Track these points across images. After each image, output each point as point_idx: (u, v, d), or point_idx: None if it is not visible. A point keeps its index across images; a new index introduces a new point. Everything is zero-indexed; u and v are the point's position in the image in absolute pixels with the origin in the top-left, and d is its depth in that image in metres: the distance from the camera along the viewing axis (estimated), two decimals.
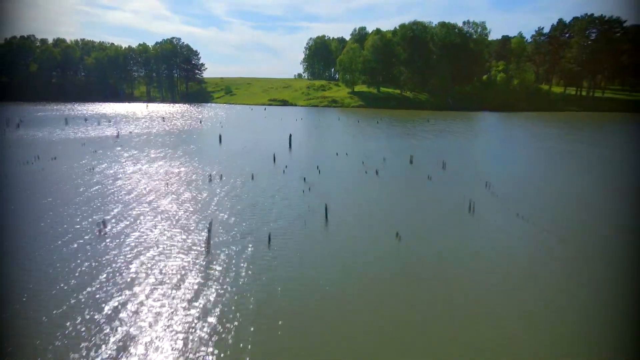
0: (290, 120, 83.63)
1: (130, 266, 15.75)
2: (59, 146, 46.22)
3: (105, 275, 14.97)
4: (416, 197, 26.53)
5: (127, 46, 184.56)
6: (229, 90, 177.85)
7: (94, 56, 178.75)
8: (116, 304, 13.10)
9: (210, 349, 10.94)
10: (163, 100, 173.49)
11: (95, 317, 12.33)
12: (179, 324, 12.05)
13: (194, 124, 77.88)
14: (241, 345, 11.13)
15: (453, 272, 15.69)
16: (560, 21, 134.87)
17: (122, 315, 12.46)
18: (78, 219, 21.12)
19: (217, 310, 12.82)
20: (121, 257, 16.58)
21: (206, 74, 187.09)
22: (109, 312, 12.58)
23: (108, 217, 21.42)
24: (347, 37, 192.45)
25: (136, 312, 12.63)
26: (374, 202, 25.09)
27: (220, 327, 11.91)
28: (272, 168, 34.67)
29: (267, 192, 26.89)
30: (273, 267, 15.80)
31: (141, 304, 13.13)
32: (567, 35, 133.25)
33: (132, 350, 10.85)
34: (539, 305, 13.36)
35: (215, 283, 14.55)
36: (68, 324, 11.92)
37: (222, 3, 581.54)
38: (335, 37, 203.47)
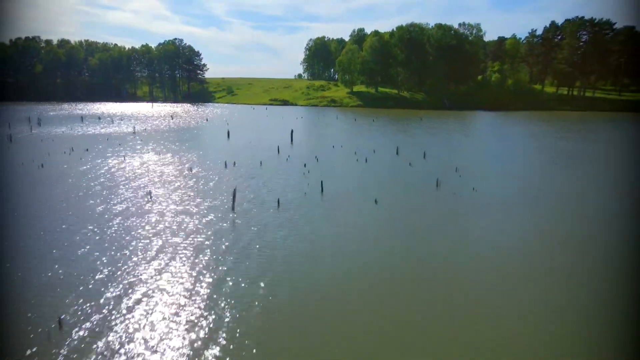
0: (291, 119, 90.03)
1: (174, 221, 22.15)
2: (85, 140, 52.66)
3: (156, 223, 21.36)
4: (396, 177, 32.92)
5: (130, 47, 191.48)
6: (230, 90, 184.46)
7: (97, 57, 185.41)
8: (167, 245, 19.48)
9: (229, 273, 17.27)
10: (165, 100, 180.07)
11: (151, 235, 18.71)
12: (216, 255, 18.43)
13: (201, 121, 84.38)
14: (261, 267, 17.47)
15: (418, 227, 22.07)
16: (553, 23, 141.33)
17: (172, 245, 18.84)
18: (128, 193, 27.53)
19: (244, 245, 19.21)
20: (165, 215, 22.98)
21: (207, 74, 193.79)
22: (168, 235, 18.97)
23: (152, 190, 27.81)
24: (347, 38, 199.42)
25: (179, 248, 19.01)
26: (361, 180, 31.49)
27: (246, 255, 18.28)
28: (277, 157, 41.08)
29: (274, 174, 33.30)
30: (281, 224, 22.15)
31: (182, 246, 19.52)
32: (559, 37, 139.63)
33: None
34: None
35: (240, 231, 20.94)
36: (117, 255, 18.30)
37: (222, 3, 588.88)
38: (335, 38, 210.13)
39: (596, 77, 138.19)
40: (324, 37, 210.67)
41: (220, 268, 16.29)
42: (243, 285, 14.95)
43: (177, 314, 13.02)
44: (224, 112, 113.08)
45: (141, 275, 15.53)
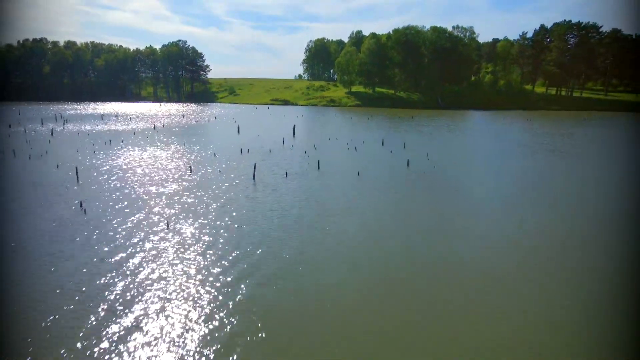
0: (292, 117, 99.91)
1: (211, 185, 31.90)
2: (115, 134, 62.49)
3: (198, 185, 31.10)
4: (377, 160, 42.65)
5: (135, 48, 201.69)
6: (232, 91, 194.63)
7: (103, 58, 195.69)
8: (209, 197, 29.19)
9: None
10: (169, 100, 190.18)
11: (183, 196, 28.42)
12: (243, 203, 28.14)
13: (210, 119, 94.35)
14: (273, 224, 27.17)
15: (388, 191, 31.79)
16: (542, 26, 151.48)
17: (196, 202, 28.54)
18: (174, 168, 37.29)
19: (263, 198, 28.92)
20: (204, 181, 32.74)
21: (208, 75, 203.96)
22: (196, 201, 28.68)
23: (191, 165, 37.59)
24: (346, 39, 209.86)
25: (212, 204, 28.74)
26: (349, 162, 41.22)
27: (256, 215, 27.99)
28: (282, 146, 50.84)
29: (280, 158, 43.04)
30: (288, 186, 31.82)
31: (213, 207, 29.24)
32: (548, 39, 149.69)
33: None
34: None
35: (259, 190, 30.67)
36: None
37: (222, 3, 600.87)
38: (335, 39, 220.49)
39: (584, 78, 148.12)
40: (323, 38, 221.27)
41: (245, 212, 25.98)
42: (261, 217, 24.62)
43: (206, 252, 22.67)
44: (229, 112, 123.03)
45: (198, 209, 25.22)
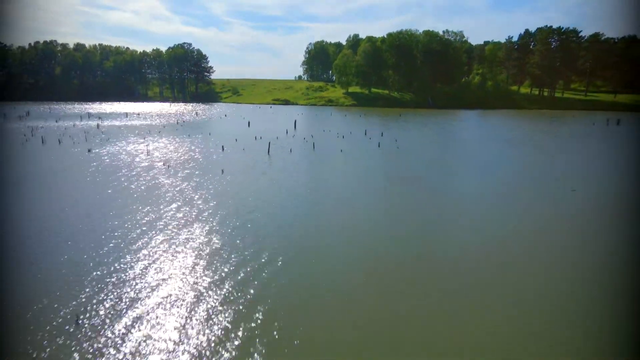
0: (293, 115, 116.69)
1: (238, 158, 48.70)
2: (148, 129, 79.31)
3: (230, 160, 47.88)
4: (357, 144, 59.33)
5: (142, 50, 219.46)
6: (235, 91, 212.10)
7: (112, 60, 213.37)
8: (235, 165, 46.00)
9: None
10: (175, 100, 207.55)
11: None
12: (262, 170, 44.97)
13: (222, 116, 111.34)
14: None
15: (360, 162, 48.60)
16: (527, 31, 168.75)
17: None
18: (211, 148, 54.07)
19: (279, 165, 45.71)
20: (233, 157, 49.58)
21: (212, 76, 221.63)
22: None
23: (223, 145, 54.33)
24: (344, 42, 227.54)
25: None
26: (336, 145, 57.98)
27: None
28: (286, 136, 67.62)
29: (286, 143, 59.81)
30: (293, 158, 48.52)
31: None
32: (532, 43, 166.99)
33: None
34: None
35: (274, 160, 47.48)
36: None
37: (222, 3, 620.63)
38: (333, 42, 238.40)
39: (565, 80, 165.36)
40: (322, 41, 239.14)
41: (265, 171, 42.72)
42: (275, 172, 41.27)
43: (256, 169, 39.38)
44: (236, 110, 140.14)
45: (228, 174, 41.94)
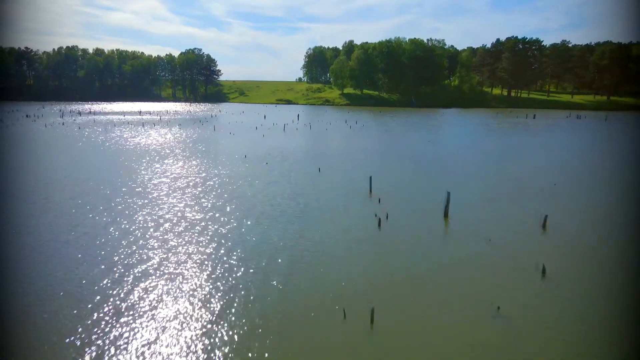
0: (295, 112, 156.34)
1: (266, 135, 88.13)
2: (191, 121, 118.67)
3: (261, 136, 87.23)
4: (339, 128, 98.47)
5: (156, 55, 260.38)
6: (242, 92, 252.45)
7: (130, 64, 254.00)
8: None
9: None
10: (187, 100, 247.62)
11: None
12: (276, 145, 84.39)
13: (240, 113, 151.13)
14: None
15: (339, 138, 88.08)
16: (498, 40, 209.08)
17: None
18: (247, 133, 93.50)
19: (288, 140, 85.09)
20: (262, 134, 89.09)
21: (219, 78, 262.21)
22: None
23: (257, 127, 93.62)
24: (340, 47, 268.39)
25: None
26: (325, 127, 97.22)
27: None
28: (293, 126, 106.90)
29: (293, 127, 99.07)
30: (300, 134, 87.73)
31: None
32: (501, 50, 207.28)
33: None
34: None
35: (289, 136, 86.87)
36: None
37: (222, 4, 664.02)
38: (330, 46, 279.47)
39: (528, 83, 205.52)
40: (321, 46, 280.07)
41: (281, 141, 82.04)
42: (289, 141, 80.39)
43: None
44: (248, 109, 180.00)
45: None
